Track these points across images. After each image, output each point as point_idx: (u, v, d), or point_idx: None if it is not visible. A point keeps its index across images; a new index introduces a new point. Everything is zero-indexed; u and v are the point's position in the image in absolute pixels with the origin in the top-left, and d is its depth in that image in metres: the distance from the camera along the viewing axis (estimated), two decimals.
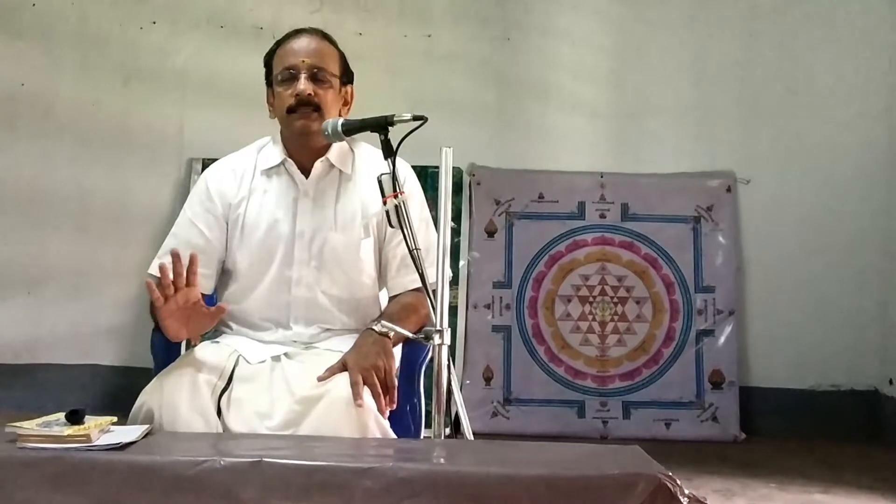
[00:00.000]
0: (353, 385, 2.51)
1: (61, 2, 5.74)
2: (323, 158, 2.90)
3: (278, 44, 2.94)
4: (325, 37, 2.96)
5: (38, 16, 5.72)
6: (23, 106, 5.70)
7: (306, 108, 2.82)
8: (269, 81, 2.94)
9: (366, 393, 2.53)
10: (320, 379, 2.55)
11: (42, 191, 5.66)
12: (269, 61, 2.95)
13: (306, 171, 2.90)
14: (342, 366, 2.58)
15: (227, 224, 2.90)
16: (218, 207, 2.90)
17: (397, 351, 2.89)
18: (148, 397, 2.53)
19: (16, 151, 5.68)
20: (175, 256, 2.50)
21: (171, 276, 2.49)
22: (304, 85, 2.82)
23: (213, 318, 2.62)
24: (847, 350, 5.67)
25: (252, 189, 2.92)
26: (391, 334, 2.65)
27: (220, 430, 2.54)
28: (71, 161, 5.69)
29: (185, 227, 2.92)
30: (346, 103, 2.97)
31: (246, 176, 2.94)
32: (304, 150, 2.91)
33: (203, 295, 2.86)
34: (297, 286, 2.85)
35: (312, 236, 2.86)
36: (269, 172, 2.93)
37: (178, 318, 2.54)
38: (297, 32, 2.94)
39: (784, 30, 5.81)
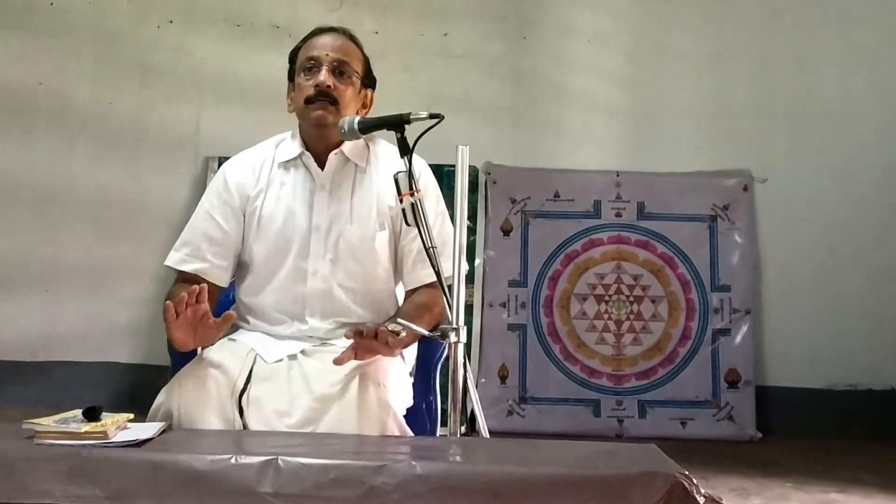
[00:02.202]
0: (350, 348, 2.54)
1: (78, 1, 5.75)
2: (337, 151, 2.90)
3: (305, 39, 2.97)
4: (353, 38, 2.98)
5: (56, 15, 5.74)
6: (40, 105, 5.72)
7: (324, 100, 2.83)
8: (292, 76, 2.96)
9: (388, 392, 2.56)
10: (336, 362, 2.55)
11: (59, 189, 5.68)
12: (294, 56, 2.97)
13: (323, 165, 2.91)
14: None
15: (245, 216, 2.91)
16: (236, 199, 2.91)
17: (413, 349, 2.91)
18: (167, 397, 2.54)
19: (33, 150, 5.70)
20: (191, 291, 2.50)
21: (184, 299, 2.49)
22: (324, 76, 2.83)
23: (219, 329, 2.60)
24: (864, 349, 5.65)
25: (270, 182, 2.93)
26: (403, 333, 2.64)
27: (241, 429, 2.54)
28: (88, 159, 5.70)
29: (202, 219, 2.93)
30: (365, 106, 2.98)
31: (264, 169, 2.95)
32: (320, 144, 2.91)
33: (220, 287, 2.88)
34: (313, 278, 2.85)
35: (328, 229, 2.87)
36: (286, 165, 2.95)
37: (186, 331, 2.54)
38: (326, 29, 2.96)
39: (801, 28, 5.80)
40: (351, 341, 2.58)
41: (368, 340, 2.54)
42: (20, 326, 5.64)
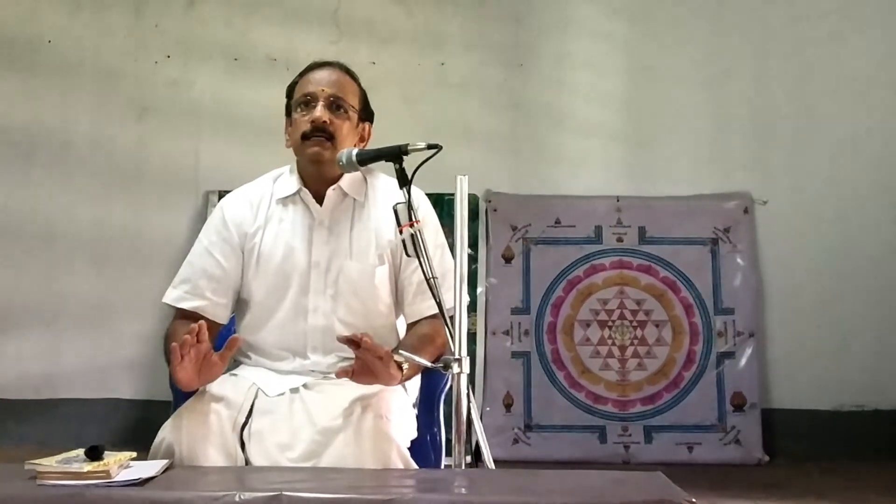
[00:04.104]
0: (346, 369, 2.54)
1: (76, 38, 5.77)
2: (335, 186, 2.91)
3: (301, 74, 2.97)
4: (349, 72, 2.98)
5: (54, 53, 5.75)
6: (40, 142, 5.72)
7: (320, 136, 2.83)
8: (289, 111, 2.96)
9: (391, 425, 2.54)
10: (337, 375, 2.56)
11: (59, 225, 5.68)
12: (290, 91, 2.98)
13: (321, 200, 2.91)
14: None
15: (243, 253, 2.91)
16: (234, 237, 2.91)
17: (416, 380, 2.89)
18: (168, 432, 2.53)
19: (33, 187, 5.70)
20: (191, 330, 2.49)
21: (189, 341, 2.48)
22: (320, 112, 2.84)
23: (223, 361, 2.60)
24: (870, 370, 5.63)
25: (268, 218, 2.93)
26: (406, 365, 2.63)
27: (243, 464, 2.53)
28: (88, 195, 5.70)
29: (200, 256, 2.92)
30: (363, 139, 2.98)
31: (262, 205, 2.95)
32: (318, 179, 2.92)
33: (219, 324, 2.86)
34: (314, 315, 2.85)
35: (328, 265, 2.87)
36: (284, 201, 2.94)
37: (190, 372, 2.53)
38: (321, 64, 2.97)
39: (799, 50, 5.80)
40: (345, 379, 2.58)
41: (368, 357, 2.52)
42: (22, 364, 5.63)
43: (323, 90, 2.87)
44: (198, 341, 2.49)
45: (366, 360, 2.53)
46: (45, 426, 5.45)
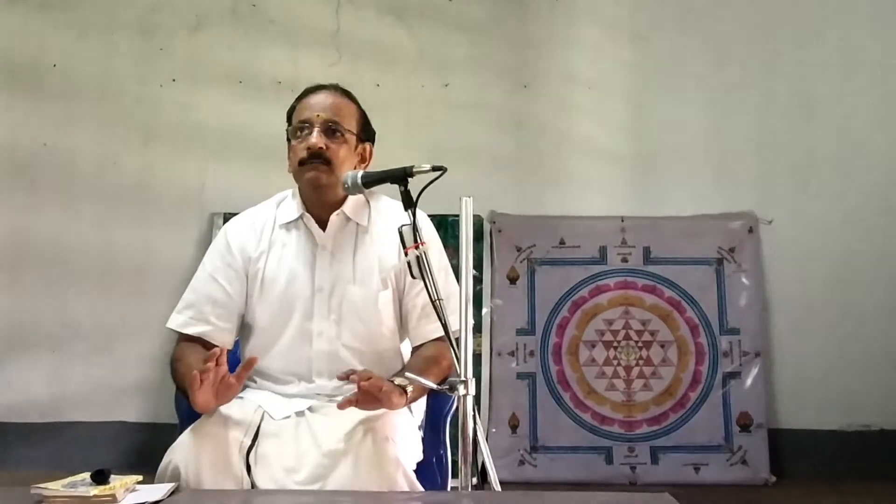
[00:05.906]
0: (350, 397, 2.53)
1: (82, 62, 5.79)
2: (338, 211, 2.92)
3: (298, 99, 2.98)
4: (345, 93, 2.99)
5: (59, 76, 5.77)
6: (45, 165, 5.74)
7: (317, 161, 2.84)
8: (290, 136, 2.97)
9: (397, 447, 2.55)
10: (339, 407, 2.55)
11: (65, 249, 5.68)
12: (289, 117, 2.99)
13: (324, 225, 2.92)
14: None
15: (247, 278, 2.91)
16: (238, 261, 2.92)
17: (422, 402, 2.89)
18: (175, 455, 2.53)
19: (39, 210, 5.71)
20: (211, 356, 2.51)
21: (211, 368, 2.49)
22: (315, 138, 2.85)
23: (240, 381, 2.60)
24: (877, 389, 5.61)
25: (271, 243, 2.94)
26: (410, 387, 2.63)
27: (249, 487, 2.53)
28: (93, 219, 5.71)
29: (204, 282, 2.93)
30: (364, 160, 2.98)
31: (265, 230, 2.96)
32: (319, 204, 2.93)
33: (224, 349, 2.86)
34: (318, 340, 2.85)
35: (332, 290, 2.87)
36: (287, 226, 2.95)
37: (209, 394, 2.54)
38: (317, 88, 2.97)
39: (802, 68, 5.80)
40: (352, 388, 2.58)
41: (371, 390, 2.52)
42: (28, 388, 5.63)
43: (318, 115, 2.88)
44: (217, 364, 2.50)
45: (369, 390, 2.53)
46: (51, 450, 5.44)
